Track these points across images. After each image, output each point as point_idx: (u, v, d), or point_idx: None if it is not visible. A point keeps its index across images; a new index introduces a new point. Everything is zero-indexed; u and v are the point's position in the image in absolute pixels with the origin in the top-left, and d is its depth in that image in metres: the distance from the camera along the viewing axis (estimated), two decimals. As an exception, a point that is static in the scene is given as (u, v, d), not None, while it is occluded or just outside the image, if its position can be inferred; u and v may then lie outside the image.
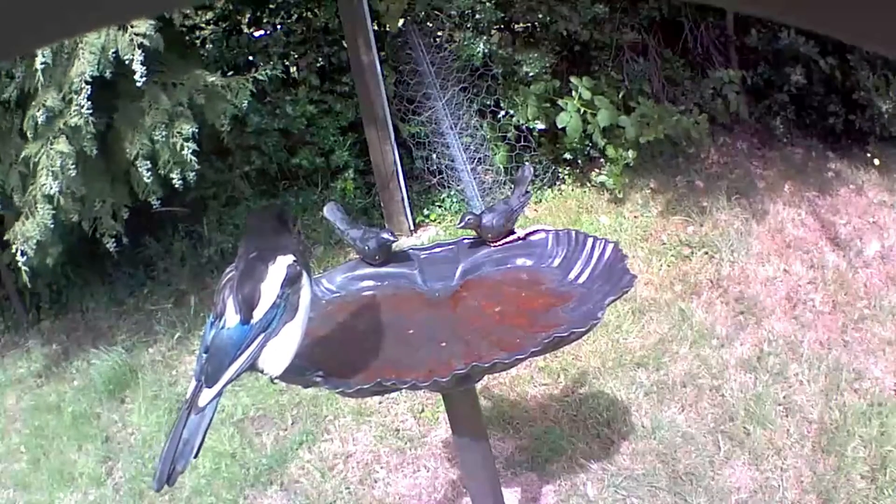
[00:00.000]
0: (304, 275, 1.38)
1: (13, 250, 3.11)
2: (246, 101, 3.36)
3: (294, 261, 1.37)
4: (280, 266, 1.35)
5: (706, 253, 3.61)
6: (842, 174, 4.22)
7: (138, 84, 2.98)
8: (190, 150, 3.16)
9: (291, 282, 1.35)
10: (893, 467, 2.31)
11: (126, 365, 3.37)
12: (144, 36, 2.96)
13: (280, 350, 1.34)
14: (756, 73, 4.55)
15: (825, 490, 2.27)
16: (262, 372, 1.37)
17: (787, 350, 2.93)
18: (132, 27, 2.95)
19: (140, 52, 2.93)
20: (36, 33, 0.23)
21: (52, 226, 3.08)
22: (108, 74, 2.97)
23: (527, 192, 1.94)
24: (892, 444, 2.40)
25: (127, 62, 2.95)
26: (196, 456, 1.26)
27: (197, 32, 4.62)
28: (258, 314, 1.32)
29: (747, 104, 4.51)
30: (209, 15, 4.66)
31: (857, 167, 4.23)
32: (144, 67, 2.94)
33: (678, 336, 3.04)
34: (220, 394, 1.30)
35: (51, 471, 2.86)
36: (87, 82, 2.92)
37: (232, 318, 1.32)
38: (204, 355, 1.32)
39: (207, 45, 4.57)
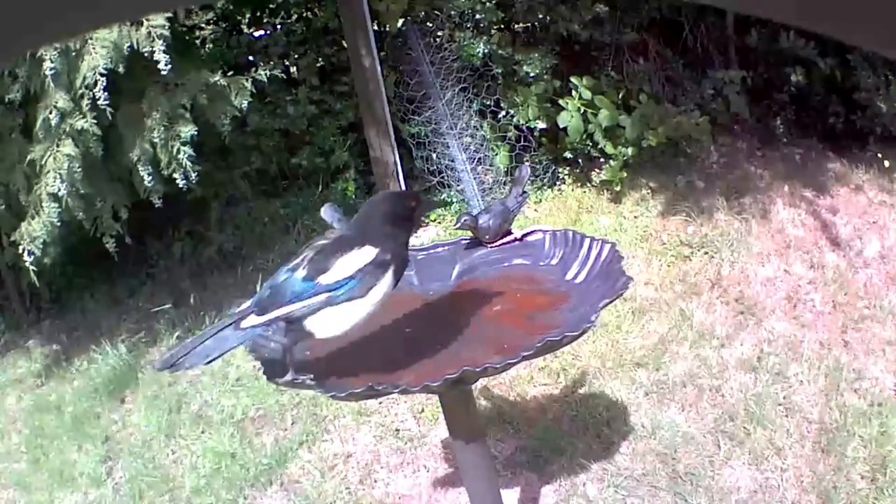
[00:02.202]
0: (391, 270, 1.41)
1: (20, 250, 3.11)
2: (246, 102, 3.37)
3: (382, 252, 1.40)
4: (365, 253, 1.39)
5: (706, 253, 3.60)
6: (842, 174, 4.21)
7: (163, 73, 3.01)
8: (186, 155, 3.17)
9: (375, 267, 1.39)
10: (893, 467, 2.31)
11: (126, 365, 3.37)
12: (163, 27, 2.98)
13: (335, 319, 1.39)
14: (756, 73, 4.54)
15: (825, 490, 2.27)
16: (308, 332, 1.40)
17: (787, 350, 2.92)
18: (148, 21, 2.98)
19: (161, 42, 2.96)
20: (37, 32, 0.23)
21: (59, 224, 3.09)
22: (120, 69, 2.98)
23: (523, 192, 1.94)
24: (892, 444, 2.40)
25: (146, 54, 2.98)
26: (208, 363, 1.35)
27: (197, 32, 4.62)
28: (325, 279, 1.37)
29: (747, 104, 4.50)
30: (209, 14, 4.66)
31: (857, 167, 4.22)
32: (168, 56, 2.97)
33: (678, 336, 3.04)
34: (265, 325, 1.38)
35: (51, 471, 2.86)
36: (101, 74, 2.93)
37: (301, 272, 1.39)
38: (268, 289, 1.40)
39: (207, 45, 4.57)
